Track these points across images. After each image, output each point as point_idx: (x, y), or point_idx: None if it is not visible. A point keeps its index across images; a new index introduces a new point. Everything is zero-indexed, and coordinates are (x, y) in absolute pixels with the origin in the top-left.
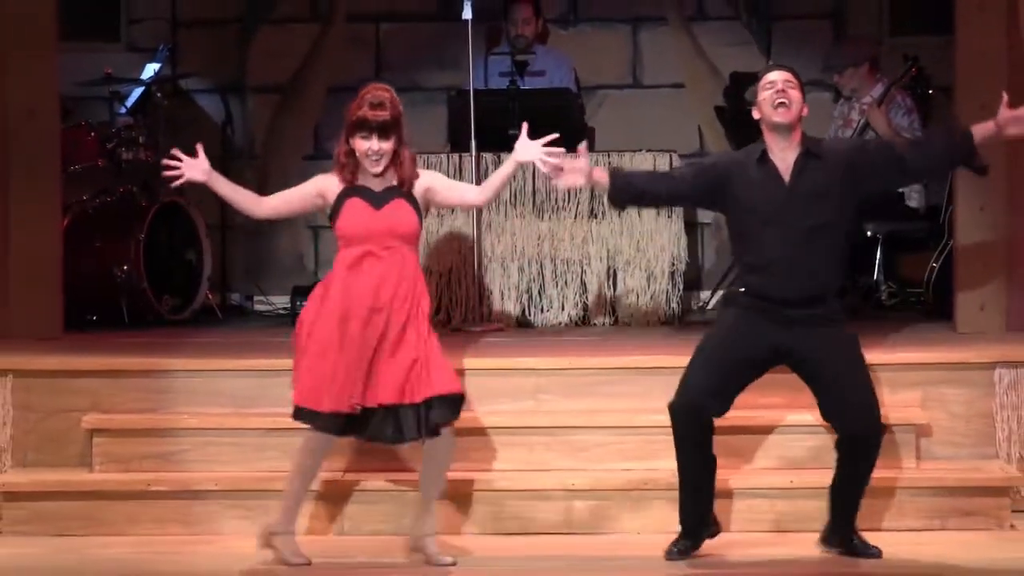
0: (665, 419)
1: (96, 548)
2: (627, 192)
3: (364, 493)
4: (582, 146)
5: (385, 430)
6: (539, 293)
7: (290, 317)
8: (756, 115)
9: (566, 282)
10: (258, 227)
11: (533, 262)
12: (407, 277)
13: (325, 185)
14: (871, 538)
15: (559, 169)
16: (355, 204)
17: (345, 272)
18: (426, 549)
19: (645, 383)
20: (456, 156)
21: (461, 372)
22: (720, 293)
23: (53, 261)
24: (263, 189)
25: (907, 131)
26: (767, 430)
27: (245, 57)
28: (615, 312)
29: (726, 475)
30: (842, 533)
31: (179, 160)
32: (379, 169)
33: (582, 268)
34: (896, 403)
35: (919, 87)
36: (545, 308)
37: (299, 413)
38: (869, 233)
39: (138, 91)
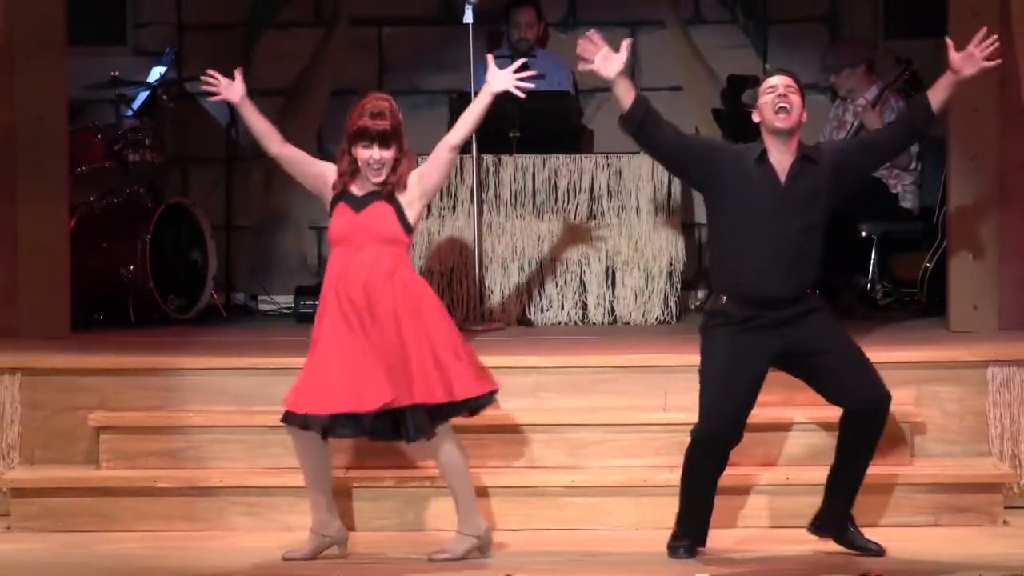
0: (663, 417)
1: (103, 544)
2: (644, 110)
3: (369, 489)
4: (627, 42)
5: (380, 428)
6: (539, 293)
7: (294, 316)
8: (756, 118)
9: (565, 282)
10: (262, 227)
11: (533, 262)
12: (384, 277)
13: (328, 179)
14: (867, 534)
15: (596, 48)
16: (339, 208)
17: (330, 274)
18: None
19: (643, 381)
20: (457, 158)
21: None
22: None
23: (60, 261)
24: (268, 190)
25: None
26: (764, 428)
27: (249, 60)
28: (614, 311)
29: (724, 472)
30: (838, 520)
31: (216, 80)
32: (380, 178)
33: (581, 268)
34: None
35: (912, 90)
36: (545, 307)
37: (286, 418)
38: (864, 234)
39: (144, 94)
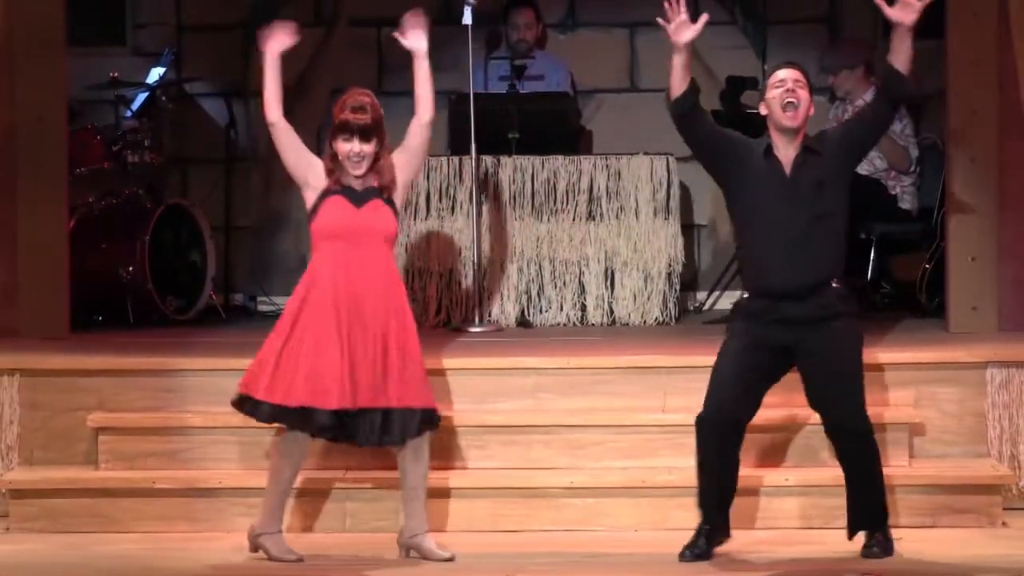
0: (662, 418)
1: (102, 545)
2: (696, 96)
3: (368, 491)
4: (705, 16)
5: (359, 432)
6: (538, 294)
7: None
8: (764, 111)
9: (564, 283)
10: (261, 228)
11: (532, 263)
12: (383, 275)
13: (317, 172)
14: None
15: (675, 12)
16: (336, 201)
17: (326, 268)
18: (423, 546)
19: (642, 382)
20: (456, 159)
21: (462, 371)
22: (716, 294)
23: (60, 262)
24: (267, 191)
25: (899, 136)
26: (762, 429)
27: (249, 61)
28: (613, 313)
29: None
30: (858, 529)
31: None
32: (360, 171)
33: (580, 269)
34: (889, 402)
35: None
36: (544, 309)
37: (270, 411)
38: (863, 235)
39: (143, 95)
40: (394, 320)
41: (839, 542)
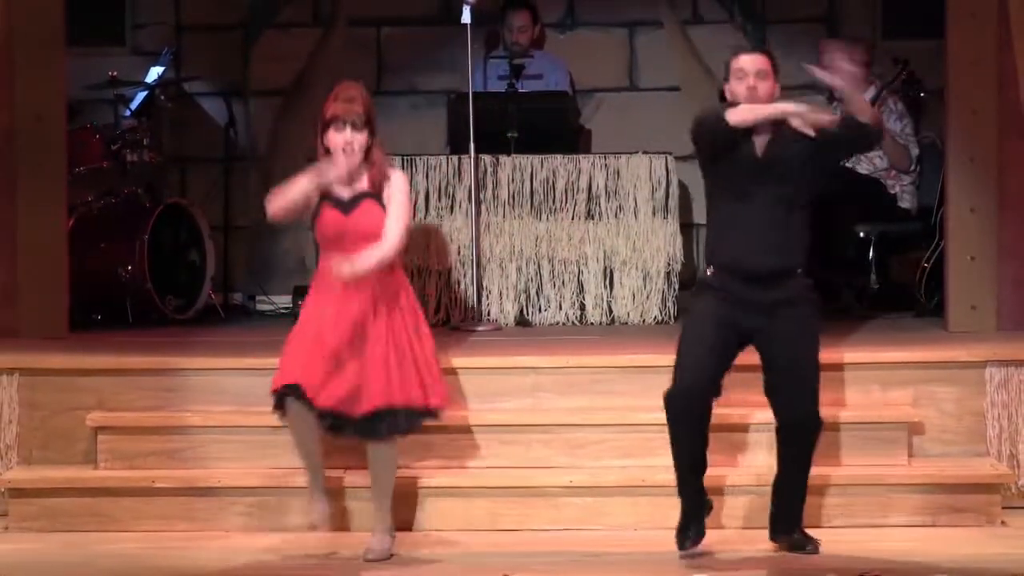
0: (661, 417)
1: (101, 544)
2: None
3: (367, 490)
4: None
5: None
6: (537, 293)
7: (292, 316)
8: (728, 96)
9: (563, 282)
10: (260, 228)
11: (531, 262)
12: (380, 277)
13: (313, 179)
14: (865, 534)
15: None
16: (326, 211)
17: (323, 275)
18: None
19: (641, 381)
20: (455, 158)
21: (461, 371)
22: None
23: (59, 261)
24: (267, 190)
25: (900, 136)
26: (762, 428)
27: (248, 61)
28: (612, 312)
29: (719, 472)
30: (786, 527)
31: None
32: (354, 161)
33: (579, 268)
34: (888, 401)
35: (910, 91)
36: (543, 308)
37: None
38: (862, 234)
39: (142, 94)
40: (398, 320)
41: (834, 541)
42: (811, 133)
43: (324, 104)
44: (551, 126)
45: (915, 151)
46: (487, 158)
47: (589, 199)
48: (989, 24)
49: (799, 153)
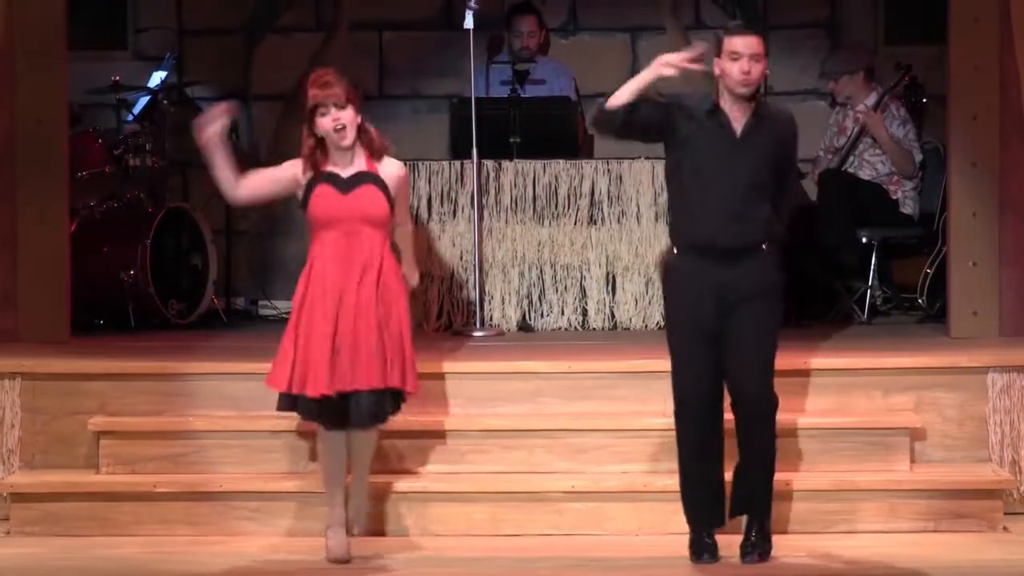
0: (663, 422)
1: (103, 549)
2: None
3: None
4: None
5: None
6: (539, 298)
7: None
8: (716, 71)
9: (566, 287)
10: (263, 232)
11: (533, 267)
12: (375, 260)
13: (297, 175)
14: (867, 539)
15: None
16: (322, 190)
17: (318, 257)
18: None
19: (643, 387)
20: (458, 163)
21: (463, 375)
22: None
23: (61, 266)
24: None
25: (903, 141)
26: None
27: (250, 65)
28: (614, 317)
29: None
30: (740, 510)
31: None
32: (348, 141)
33: (581, 273)
34: (890, 407)
35: (912, 96)
36: (545, 313)
37: (289, 401)
38: (864, 239)
39: (145, 99)
40: (393, 305)
41: (836, 547)
42: (696, 68)
43: (302, 97)
44: (554, 131)
45: (918, 156)
46: (489, 163)
47: (591, 204)
48: (991, 29)
49: (773, 142)
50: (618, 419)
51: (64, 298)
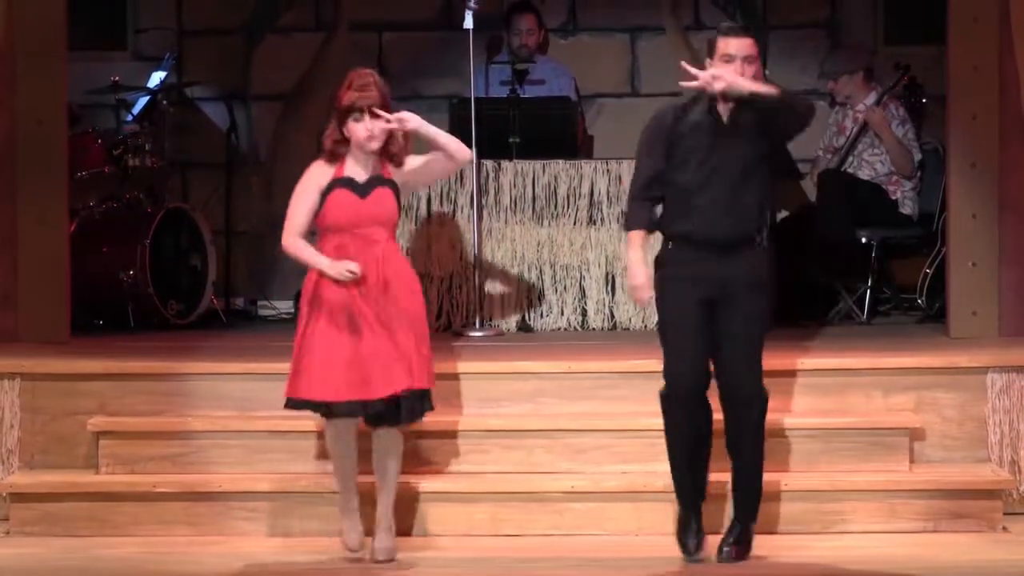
0: (662, 422)
1: (102, 549)
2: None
3: (369, 492)
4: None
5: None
6: (539, 298)
7: (294, 322)
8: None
9: (565, 287)
10: (262, 232)
11: (533, 268)
12: (391, 261)
13: (320, 182)
14: (866, 540)
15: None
16: (341, 194)
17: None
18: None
19: (643, 387)
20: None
21: (463, 376)
22: None
23: (61, 266)
24: (268, 195)
25: (902, 140)
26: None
27: (250, 65)
28: (613, 317)
29: (721, 477)
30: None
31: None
32: (376, 146)
33: (581, 274)
34: (890, 407)
35: (911, 96)
36: (544, 313)
37: (306, 405)
38: (863, 240)
39: (144, 99)
40: (408, 306)
41: (835, 547)
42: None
43: (338, 92)
44: (553, 131)
45: (918, 156)
46: (489, 163)
47: (591, 204)
48: (990, 29)
49: (759, 120)
50: (618, 419)
51: (64, 298)
